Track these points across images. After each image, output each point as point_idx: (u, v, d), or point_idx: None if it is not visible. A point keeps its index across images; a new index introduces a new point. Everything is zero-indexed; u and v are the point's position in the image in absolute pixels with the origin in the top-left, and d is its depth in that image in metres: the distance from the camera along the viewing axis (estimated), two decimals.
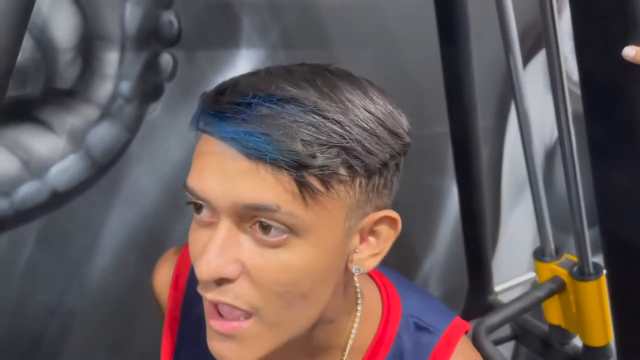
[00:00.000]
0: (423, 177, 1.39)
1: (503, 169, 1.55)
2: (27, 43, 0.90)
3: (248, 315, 0.48)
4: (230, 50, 1.06)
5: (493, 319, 1.02)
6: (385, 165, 0.49)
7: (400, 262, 1.37)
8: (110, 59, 0.96)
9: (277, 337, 0.50)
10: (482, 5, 1.05)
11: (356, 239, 0.51)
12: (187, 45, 1.01)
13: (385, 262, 0.66)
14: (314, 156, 0.44)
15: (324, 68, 0.50)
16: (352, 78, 0.50)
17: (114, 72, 0.96)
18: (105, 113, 0.97)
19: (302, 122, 0.44)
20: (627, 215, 0.78)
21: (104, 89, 0.96)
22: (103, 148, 0.99)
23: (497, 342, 1.13)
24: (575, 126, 0.94)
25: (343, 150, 0.45)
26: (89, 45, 0.94)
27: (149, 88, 1.00)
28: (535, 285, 1.10)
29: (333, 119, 0.45)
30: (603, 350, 1.06)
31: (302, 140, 0.44)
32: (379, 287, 0.62)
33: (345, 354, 0.57)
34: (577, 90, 0.76)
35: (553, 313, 1.10)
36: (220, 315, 0.49)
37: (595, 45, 0.70)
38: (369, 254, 0.52)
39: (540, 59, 1.49)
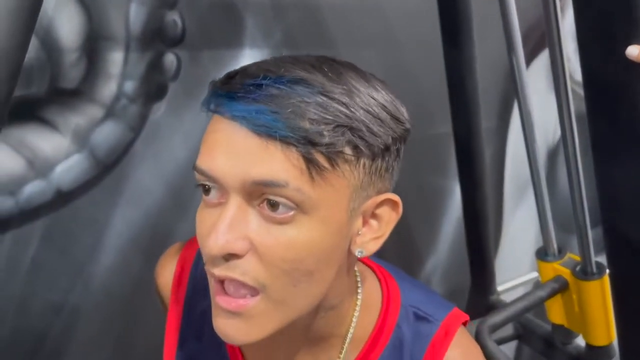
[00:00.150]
0: (426, 177, 1.39)
1: (506, 169, 1.55)
2: (32, 43, 0.89)
3: (255, 292, 0.49)
4: (234, 50, 1.07)
5: (496, 318, 1.02)
6: (387, 149, 0.50)
7: (403, 262, 1.37)
8: (115, 59, 0.96)
9: (283, 316, 0.50)
10: (485, 5, 1.05)
11: (359, 222, 0.52)
12: (191, 45, 1.01)
13: (388, 261, 0.67)
14: (321, 134, 0.46)
15: (329, 58, 0.52)
16: (356, 68, 0.52)
17: (118, 72, 0.97)
18: (110, 113, 0.98)
19: (310, 102, 0.46)
20: (630, 214, 0.78)
21: (108, 89, 0.97)
22: (107, 147, 0.99)
23: (500, 342, 1.13)
24: (578, 126, 0.94)
25: (348, 130, 0.47)
26: (93, 45, 0.94)
27: (153, 88, 1.01)
28: (537, 284, 1.10)
29: (339, 101, 0.47)
30: (606, 350, 1.06)
31: (310, 118, 0.46)
32: (378, 278, 0.63)
33: (346, 343, 0.59)
34: (580, 90, 0.76)
35: (556, 312, 1.10)
36: (227, 294, 0.50)
37: (598, 45, 0.70)
38: (371, 237, 0.53)
39: (543, 59, 1.49)
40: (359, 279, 0.60)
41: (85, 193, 0.99)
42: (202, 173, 0.49)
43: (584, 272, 1.03)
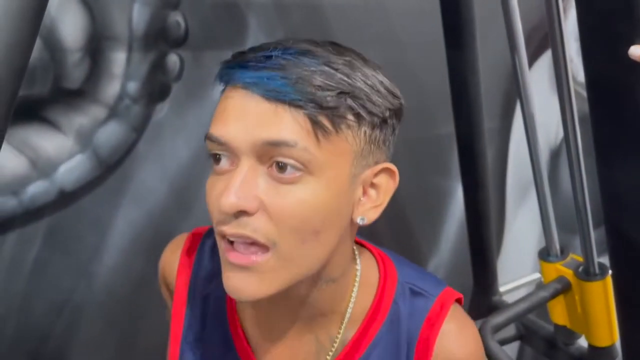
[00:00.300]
0: (428, 178, 1.39)
1: (508, 170, 1.55)
2: (36, 43, 0.90)
3: (265, 250, 0.52)
4: (237, 50, 1.07)
5: (498, 319, 1.02)
6: (385, 121, 0.55)
7: None
8: (118, 59, 0.96)
9: (290, 274, 0.54)
10: (487, 6, 1.05)
11: (359, 191, 0.56)
12: (194, 45, 1.02)
13: None
14: (326, 98, 0.51)
15: (330, 41, 0.57)
16: (356, 51, 0.57)
17: (122, 72, 0.97)
18: (113, 113, 0.98)
19: (316, 70, 0.51)
20: (633, 215, 0.78)
21: (111, 89, 0.97)
22: (110, 148, 0.99)
23: (502, 342, 1.13)
24: (580, 126, 0.94)
25: (350, 98, 0.52)
26: (96, 46, 0.94)
27: (156, 88, 1.01)
28: (540, 285, 1.10)
29: (342, 71, 0.52)
30: (608, 351, 1.06)
31: (316, 85, 0.51)
32: (375, 257, 0.66)
33: (345, 319, 0.61)
34: (583, 91, 0.76)
35: (558, 313, 1.10)
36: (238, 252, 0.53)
37: (601, 45, 0.70)
38: (371, 205, 0.57)
39: (545, 60, 1.49)
40: (358, 259, 0.63)
41: (88, 193, 0.99)
42: (215, 140, 0.52)
43: (587, 273, 1.03)
